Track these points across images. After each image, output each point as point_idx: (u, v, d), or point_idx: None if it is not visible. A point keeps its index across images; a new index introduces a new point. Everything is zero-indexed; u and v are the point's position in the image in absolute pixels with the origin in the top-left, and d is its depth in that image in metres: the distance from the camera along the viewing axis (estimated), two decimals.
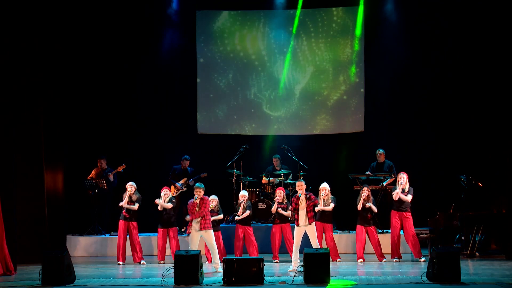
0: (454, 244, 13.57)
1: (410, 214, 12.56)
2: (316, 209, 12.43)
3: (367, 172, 14.48)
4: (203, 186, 11.87)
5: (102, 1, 15.51)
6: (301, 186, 11.83)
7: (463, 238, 13.46)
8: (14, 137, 12.51)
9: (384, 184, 14.22)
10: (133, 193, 12.92)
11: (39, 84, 13.33)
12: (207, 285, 10.25)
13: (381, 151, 14.80)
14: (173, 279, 10.27)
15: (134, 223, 12.99)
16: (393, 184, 14.38)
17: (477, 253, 13.17)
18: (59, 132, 13.95)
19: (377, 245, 12.67)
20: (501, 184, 13.66)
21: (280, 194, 12.82)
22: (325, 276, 10.14)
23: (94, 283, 10.64)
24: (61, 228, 13.83)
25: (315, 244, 11.67)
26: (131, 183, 13.03)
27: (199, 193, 11.75)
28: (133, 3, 15.87)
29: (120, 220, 13.04)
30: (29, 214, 13.02)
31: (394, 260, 12.63)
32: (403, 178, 12.58)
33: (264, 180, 15.03)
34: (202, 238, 11.80)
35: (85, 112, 15.80)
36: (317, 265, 10.17)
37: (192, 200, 11.86)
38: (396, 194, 12.51)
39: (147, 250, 14.18)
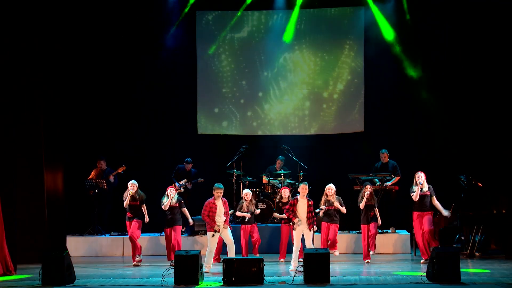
0: (454, 244, 13.58)
1: (430, 213, 12.31)
2: (321, 210, 12.65)
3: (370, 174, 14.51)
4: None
5: (102, 2, 15.49)
6: (305, 190, 11.82)
7: (463, 238, 13.47)
8: (14, 137, 12.52)
9: (389, 184, 14.24)
10: (135, 192, 12.74)
11: (39, 84, 13.33)
12: (207, 285, 10.26)
13: (384, 151, 14.78)
14: (173, 279, 10.28)
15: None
16: (397, 184, 14.43)
17: (477, 253, 13.17)
18: (59, 132, 13.94)
19: (373, 240, 12.65)
20: (501, 184, 13.66)
21: (285, 193, 12.92)
22: (325, 276, 10.17)
23: (94, 283, 10.65)
24: (61, 228, 13.82)
25: (309, 246, 11.66)
26: (132, 181, 12.84)
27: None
28: (133, 3, 15.84)
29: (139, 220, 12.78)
30: (29, 214, 13.02)
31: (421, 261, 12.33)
32: (421, 177, 12.24)
33: (265, 180, 15.01)
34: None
35: (85, 112, 15.79)
36: (317, 265, 10.18)
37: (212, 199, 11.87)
38: (416, 195, 12.17)
39: (150, 250, 14.21)
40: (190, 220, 12.98)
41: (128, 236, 12.76)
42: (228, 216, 11.95)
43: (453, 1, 15.27)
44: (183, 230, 14.44)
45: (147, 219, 12.73)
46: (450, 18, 15.36)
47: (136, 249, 12.69)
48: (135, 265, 12.57)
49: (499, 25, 14.60)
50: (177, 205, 12.70)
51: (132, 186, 12.72)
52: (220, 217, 11.80)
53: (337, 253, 12.81)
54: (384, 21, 15.76)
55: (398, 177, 14.39)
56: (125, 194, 12.80)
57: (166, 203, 12.58)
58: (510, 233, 12.90)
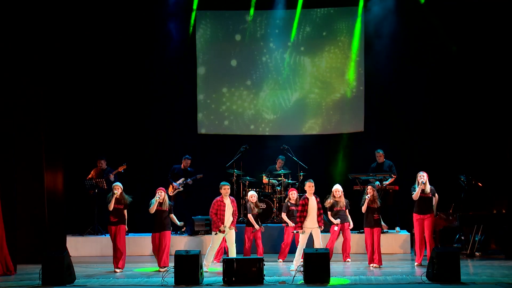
0: (454, 244, 13.59)
1: (431, 215, 12.01)
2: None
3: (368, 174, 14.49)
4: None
5: (102, 2, 15.48)
6: (311, 188, 11.72)
7: (463, 238, 13.48)
8: (14, 137, 12.51)
9: (386, 183, 14.22)
10: (120, 195, 12.09)
11: (39, 84, 13.31)
12: (207, 285, 10.27)
13: (380, 151, 14.77)
14: (173, 279, 10.29)
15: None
16: (394, 184, 14.41)
17: (477, 253, 13.17)
18: (59, 132, 13.91)
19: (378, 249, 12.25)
20: (501, 184, 13.66)
21: (293, 195, 12.86)
22: (325, 276, 10.17)
23: (94, 283, 10.66)
24: (61, 228, 13.80)
25: (318, 245, 11.62)
26: (117, 183, 12.31)
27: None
28: (133, 4, 15.83)
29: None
30: (29, 214, 13.00)
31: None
32: (423, 177, 11.95)
33: (265, 180, 15.02)
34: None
35: (85, 112, 15.79)
36: (317, 265, 10.19)
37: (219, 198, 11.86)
38: (416, 194, 11.91)
39: (150, 250, 14.20)
40: (179, 223, 12.37)
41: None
42: (236, 217, 11.89)
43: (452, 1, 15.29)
44: (183, 230, 14.45)
45: (125, 227, 12.15)
46: (451, 18, 15.35)
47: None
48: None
49: (499, 25, 14.59)
50: (167, 209, 12.04)
51: (117, 188, 12.06)
52: (228, 217, 11.77)
53: (349, 260, 12.68)
54: (383, 20, 15.72)
55: (393, 179, 14.35)
56: (109, 197, 12.19)
57: (152, 206, 11.90)
58: (510, 233, 12.91)
